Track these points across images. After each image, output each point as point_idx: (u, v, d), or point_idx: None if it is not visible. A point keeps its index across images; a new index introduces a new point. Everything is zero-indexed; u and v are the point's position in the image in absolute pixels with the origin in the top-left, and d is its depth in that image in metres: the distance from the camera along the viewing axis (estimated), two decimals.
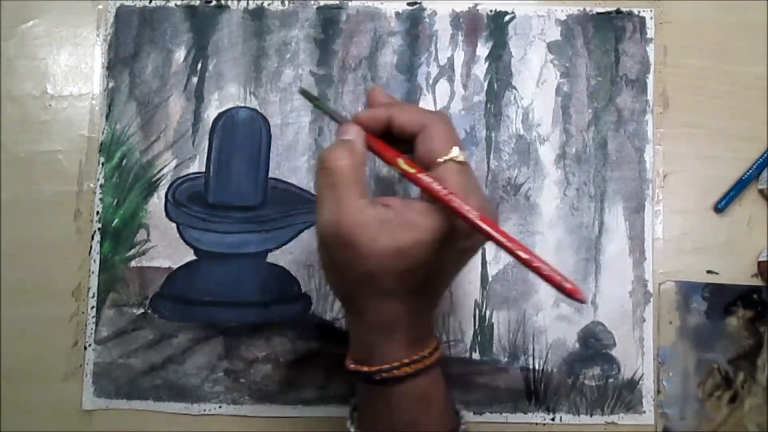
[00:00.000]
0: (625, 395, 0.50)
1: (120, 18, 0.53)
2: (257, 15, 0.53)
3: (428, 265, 0.35)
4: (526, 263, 0.33)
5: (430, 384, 0.38)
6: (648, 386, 0.50)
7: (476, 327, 0.51)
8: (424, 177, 0.35)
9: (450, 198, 0.34)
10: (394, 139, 0.38)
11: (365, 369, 0.37)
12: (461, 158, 0.36)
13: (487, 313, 0.51)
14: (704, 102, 0.52)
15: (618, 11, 0.53)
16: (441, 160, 0.36)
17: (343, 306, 0.39)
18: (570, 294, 0.32)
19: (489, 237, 0.34)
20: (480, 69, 0.53)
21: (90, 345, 0.51)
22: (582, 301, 0.32)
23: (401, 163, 0.36)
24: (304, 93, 0.43)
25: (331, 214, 0.35)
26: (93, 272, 0.51)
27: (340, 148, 0.36)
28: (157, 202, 0.52)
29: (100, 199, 0.52)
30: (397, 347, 0.37)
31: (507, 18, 0.53)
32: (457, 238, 0.35)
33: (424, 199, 0.36)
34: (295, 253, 0.51)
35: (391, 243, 0.34)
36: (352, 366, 0.38)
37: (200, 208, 0.51)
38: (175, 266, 0.51)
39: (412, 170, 0.36)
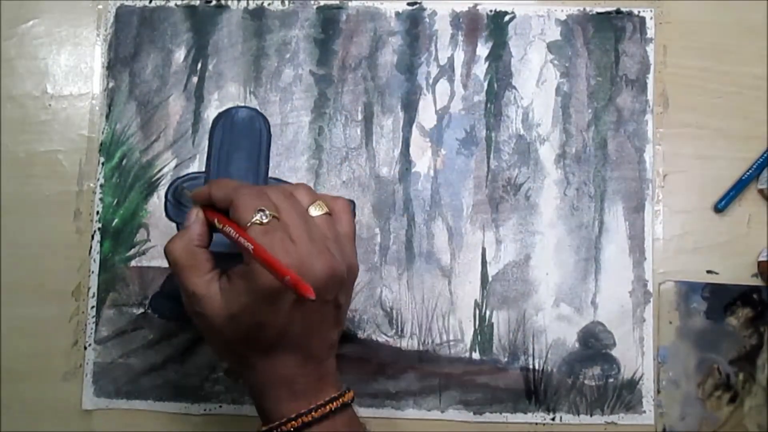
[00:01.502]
0: (625, 395, 0.50)
1: (120, 18, 0.53)
2: (257, 15, 0.53)
3: (263, 324, 0.38)
4: (261, 260, 0.36)
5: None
6: (648, 386, 0.50)
7: (476, 327, 0.51)
8: (229, 230, 0.38)
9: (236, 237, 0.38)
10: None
11: (261, 429, 0.40)
12: (261, 220, 0.38)
13: (487, 313, 0.51)
14: (704, 102, 0.52)
15: (618, 11, 0.53)
16: (248, 225, 0.38)
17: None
18: (301, 292, 0.34)
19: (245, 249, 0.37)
20: (480, 69, 0.53)
21: (90, 345, 0.51)
22: (306, 295, 0.34)
23: (216, 222, 0.40)
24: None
25: (183, 296, 0.40)
26: (93, 272, 0.51)
27: (176, 238, 0.41)
28: (157, 202, 0.52)
29: (100, 199, 0.52)
30: (280, 404, 0.39)
31: (507, 18, 0.53)
32: (279, 293, 0.37)
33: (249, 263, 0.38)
34: None
35: (225, 311, 0.38)
36: (257, 428, 0.41)
37: None
38: None
39: (219, 225, 0.39)
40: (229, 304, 0.38)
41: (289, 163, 0.52)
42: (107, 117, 0.52)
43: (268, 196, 0.39)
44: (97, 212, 0.52)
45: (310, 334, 0.40)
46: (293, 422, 0.39)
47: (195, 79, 0.53)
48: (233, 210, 0.39)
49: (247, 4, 0.53)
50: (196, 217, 0.41)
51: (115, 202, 0.52)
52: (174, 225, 0.51)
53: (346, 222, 0.42)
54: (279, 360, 0.39)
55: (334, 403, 0.40)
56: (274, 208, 0.38)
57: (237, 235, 0.37)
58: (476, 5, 0.53)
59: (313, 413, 0.39)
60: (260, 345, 0.39)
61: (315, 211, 0.40)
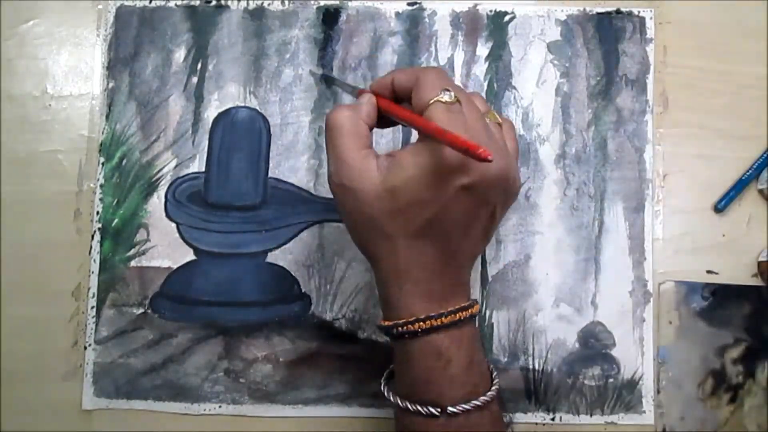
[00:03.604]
0: (625, 395, 0.50)
1: (120, 18, 0.53)
2: (257, 15, 0.53)
3: (423, 203, 0.36)
4: (435, 135, 0.35)
5: (449, 343, 0.38)
6: (648, 386, 0.50)
7: (476, 327, 0.51)
8: (409, 114, 0.38)
9: (415, 119, 0.37)
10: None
11: (383, 323, 0.39)
12: (446, 99, 0.37)
13: (487, 313, 0.51)
14: (704, 102, 0.52)
15: (618, 11, 0.53)
16: (430, 102, 0.37)
17: (368, 261, 0.41)
18: (481, 156, 0.32)
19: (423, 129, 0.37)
20: (480, 69, 0.53)
21: (90, 345, 0.51)
22: (487, 159, 0.33)
23: (388, 109, 0.40)
24: (324, 78, 0.49)
25: (333, 166, 0.39)
26: (93, 272, 0.51)
27: (343, 107, 0.40)
28: (157, 202, 0.52)
29: (100, 199, 0.52)
30: (412, 301, 0.38)
31: (507, 18, 0.53)
32: (449, 174, 0.36)
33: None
34: (295, 253, 0.51)
35: (384, 184, 0.37)
36: (379, 322, 0.40)
37: (200, 208, 0.51)
38: (175, 266, 0.51)
39: (393, 112, 0.39)
40: (391, 178, 0.37)
41: (289, 163, 0.52)
42: (107, 117, 0.52)
43: (451, 84, 0.39)
44: (97, 212, 0.52)
45: (462, 230, 0.38)
46: (422, 323, 0.37)
47: (195, 79, 0.53)
48: (418, 87, 0.38)
49: (247, 4, 0.53)
50: (368, 99, 0.41)
51: (115, 202, 0.52)
52: (174, 225, 0.51)
53: (513, 139, 0.41)
54: (425, 247, 0.37)
55: (464, 313, 0.38)
56: (456, 95, 0.38)
57: (412, 116, 0.38)
58: (476, 5, 0.53)
59: (443, 318, 0.37)
60: (412, 225, 0.37)
61: (488, 120, 0.40)
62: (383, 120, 0.41)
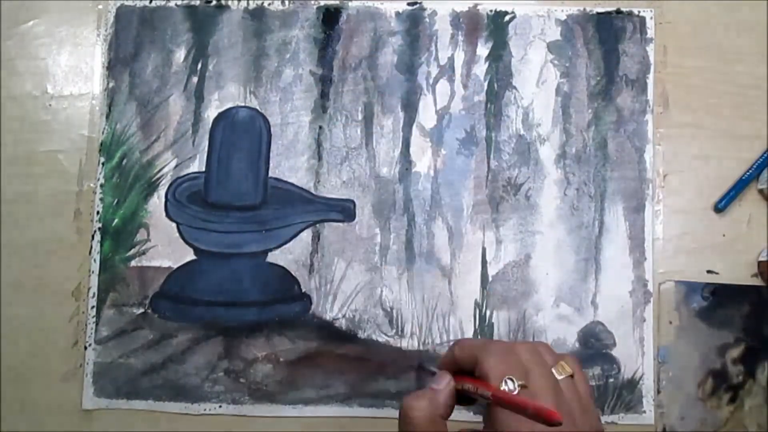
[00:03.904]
0: (625, 395, 0.50)
1: (120, 18, 0.53)
2: (257, 15, 0.53)
3: None
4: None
5: None
6: (648, 386, 0.50)
7: (476, 327, 0.51)
8: (484, 386, 0.37)
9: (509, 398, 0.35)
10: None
11: None
12: (509, 388, 0.36)
13: (487, 313, 0.51)
14: (704, 102, 0.52)
15: (618, 11, 0.53)
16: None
17: None
18: (550, 420, 0.32)
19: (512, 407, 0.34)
20: (480, 69, 0.53)
21: (90, 345, 0.51)
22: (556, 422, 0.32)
23: (465, 386, 0.38)
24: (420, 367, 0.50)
25: None
26: (93, 272, 0.51)
27: (422, 398, 0.38)
28: (157, 201, 0.52)
29: (100, 199, 0.52)
30: None
31: (507, 18, 0.53)
32: None
33: None
34: (295, 253, 0.51)
35: None
36: None
37: (200, 208, 0.51)
38: (175, 266, 0.51)
39: (488, 393, 0.37)
40: None
41: (289, 163, 0.52)
42: (107, 117, 0.52)
43: (517, 356, 0.38)
44: (97, 212, 0.52)
45: None
46: None
47: (195, 79, 0.53)
48: (481, 375, 0.37)
49: (247, 4, 0.53)
50: (446, 385, 0.39)
51: (115, 202, 0.52)
52: (174, 225, 0.51)
53: (584, 381, 0.40)
54: None
55: None
56: (522, 372, 0.37)
57: (487, 388, 0.36)
58: (476, 5, 0.53)
59: None
60: None
61: (558, 374, 0.39)
62: (461, 397, 0.40)
